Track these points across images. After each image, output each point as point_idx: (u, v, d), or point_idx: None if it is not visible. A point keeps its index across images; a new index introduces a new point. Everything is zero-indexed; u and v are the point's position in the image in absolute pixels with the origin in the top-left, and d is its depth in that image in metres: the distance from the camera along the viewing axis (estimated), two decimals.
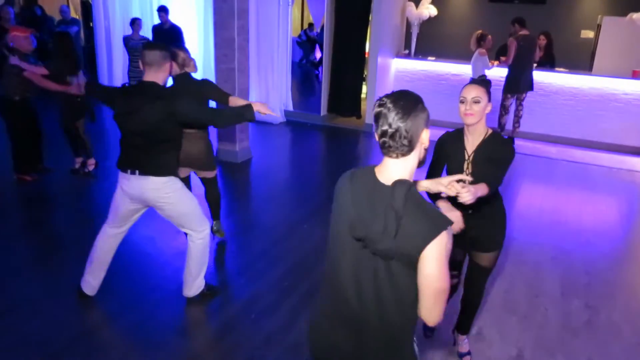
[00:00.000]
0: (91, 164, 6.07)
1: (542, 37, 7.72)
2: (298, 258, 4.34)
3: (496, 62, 7.90)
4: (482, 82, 3.24)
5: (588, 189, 6.35)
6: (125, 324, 3.42)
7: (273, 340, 3.30)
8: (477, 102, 2.54)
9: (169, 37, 8.05)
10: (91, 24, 10.68)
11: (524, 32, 7.28)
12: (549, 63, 8.21)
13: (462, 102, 2.58)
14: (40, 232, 4.69)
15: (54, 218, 5.07)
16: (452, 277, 2.69)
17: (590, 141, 7.92)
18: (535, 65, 7.57)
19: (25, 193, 5.55)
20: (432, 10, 8.70)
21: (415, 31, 8.97)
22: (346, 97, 8.94)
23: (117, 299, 3.62)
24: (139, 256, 4.22)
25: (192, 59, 4.00)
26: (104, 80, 10.22)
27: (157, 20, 8.60)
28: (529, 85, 7.34)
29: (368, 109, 8.55)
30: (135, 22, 8.04)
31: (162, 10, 8.31)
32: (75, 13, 12.51)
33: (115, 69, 10.18)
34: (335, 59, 8.81)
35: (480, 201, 2.33)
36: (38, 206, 5.26)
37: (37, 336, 3.22)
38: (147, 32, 8.72)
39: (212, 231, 4.50)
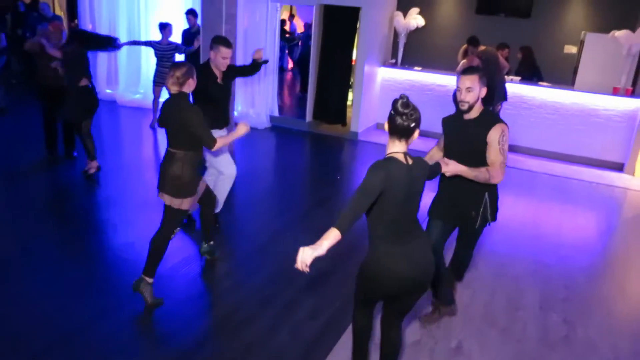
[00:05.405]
0: (93, 167, 5.96)
1: (506, 50, 7.86)
2: (280, 266, 4.32)
3: None
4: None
5: (568, 203, 6.43)
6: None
7: (253, 349, 3.28)
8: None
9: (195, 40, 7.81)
10: (74, 22, 10.50)
11: (480, 48, 7.41)
12: (535, 76, 8.37)
13: None
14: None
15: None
16: None
17: (571, 155, 8.03)
18: (507, 76, 7.72)
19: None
20: (419, 21, 8.76)
21: (402, 41, 9.02)
22: (332, 105, 8.95)
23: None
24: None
25: None
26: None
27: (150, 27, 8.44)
28: (503, 96, 7.40)
29: (353, 117, 8.57)
30: (165, 28, 7.80)
31: (191, 13, 8.12)
32: (60, 10, 12.34)
33: (99, 68, 10.00)
34: (322, 65, 8.82)
35: None
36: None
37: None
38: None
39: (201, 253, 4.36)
